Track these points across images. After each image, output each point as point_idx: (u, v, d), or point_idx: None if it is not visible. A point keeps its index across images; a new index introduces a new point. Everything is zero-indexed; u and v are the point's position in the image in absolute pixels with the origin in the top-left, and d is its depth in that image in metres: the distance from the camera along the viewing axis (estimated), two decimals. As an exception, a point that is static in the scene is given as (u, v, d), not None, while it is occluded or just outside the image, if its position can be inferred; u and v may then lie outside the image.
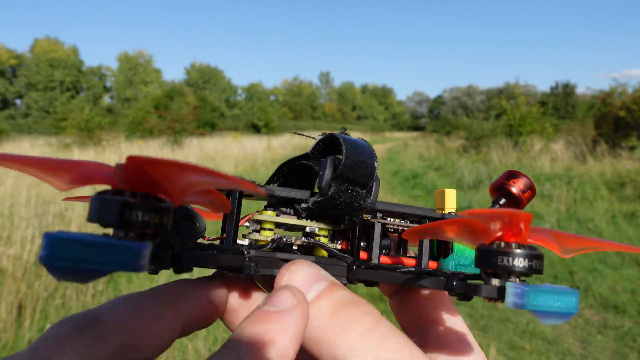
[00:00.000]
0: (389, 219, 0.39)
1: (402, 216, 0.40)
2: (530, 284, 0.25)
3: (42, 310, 2.33)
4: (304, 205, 0.36)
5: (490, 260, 0.26)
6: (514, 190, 0.42)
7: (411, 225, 0.40)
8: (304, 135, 0.42)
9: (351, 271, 0.34)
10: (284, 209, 0.37)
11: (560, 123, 11.99)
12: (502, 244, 0.26)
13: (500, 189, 0.43)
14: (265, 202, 0.37)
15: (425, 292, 0.38)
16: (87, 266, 0.19)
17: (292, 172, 0.38)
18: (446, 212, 0.42)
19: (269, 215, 0.35)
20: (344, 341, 0.27)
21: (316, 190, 0.36)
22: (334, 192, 0.33)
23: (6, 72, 29.77)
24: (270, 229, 0.35)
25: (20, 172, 0.22)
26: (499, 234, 0.26)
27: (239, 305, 0.33)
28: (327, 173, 0.33)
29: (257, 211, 0.36)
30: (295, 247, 0.36)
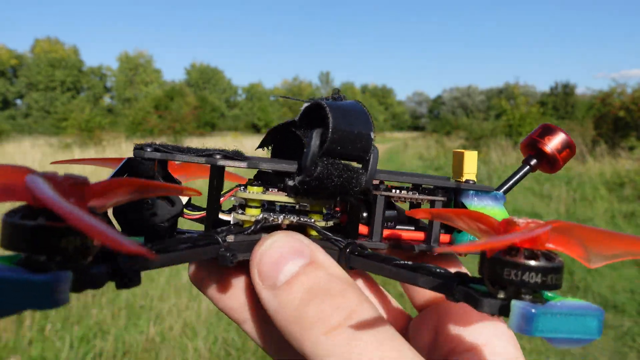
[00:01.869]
0: (394, 190, 0.34)
1: (411, 186, 0.35)
2: (540, 303, 0.20)
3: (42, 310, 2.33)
4: (290, 182, 0.31)
5: (495, 270, 0.21)
6: (548, 149, 0.36)
7: (421, 196, 0.35)
8: (291, 98, 0.35)
9: (343, 258, 0.30)
10: (272, 183, 0.32)
11: (559, 123, 11.99)
12: (512, 252, 0.21)
13: (532, 147, 0.37)
14: (256, 171, 0.32)
15: (467, 311, 0.32)
16: None
17: (284, 138, 0.34)
18: (464, 178, 0.36)
19: (255, 192, 0.31)
20: (310, 339, 0.24)
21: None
22: (321, 172, 0.29)
23: (7, 72, 29.77)
24: (257, 207, 0.31)
25: None
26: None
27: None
28: (312, 149, 0.29)
29: (242, 186, 0.32)
30: (284, 227, 0.31)
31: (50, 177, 0.19)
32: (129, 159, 0.30)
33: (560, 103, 20.99)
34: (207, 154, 0.30)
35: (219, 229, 0.30)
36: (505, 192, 0.37)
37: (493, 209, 0.34)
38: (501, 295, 0.21)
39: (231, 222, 0.32)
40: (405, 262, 0.28)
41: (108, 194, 0.21)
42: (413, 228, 0.36)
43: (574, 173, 6.20)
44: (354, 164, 0.30)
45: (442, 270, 0.26)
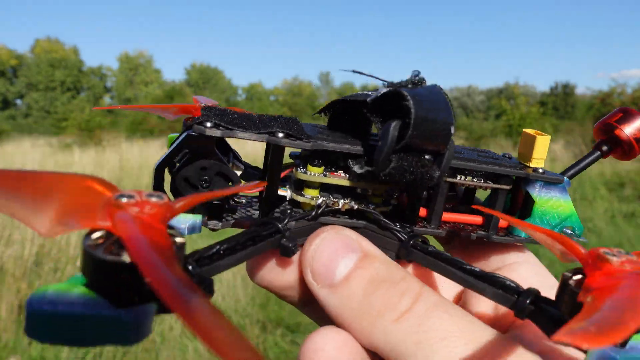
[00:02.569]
0: (459, 177, 0.32)
1: (475, 173, 0.33)
2: (620, 348, 0.20)
3: (42, 310, 2.33)
4: (356, 169, 0.29)
5: (579, 309, 0.19)
6: (624, 135, 0.33)
7: (485, 184, 0.33)
8: (366, 74, 0.31)
9: (404, 249, 0.29)
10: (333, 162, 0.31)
11: (559, 123, 11.99)
12: None
13: (606, 132, 0.34)
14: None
15: (497, 249, 0.33)
16: (78, 344, 0.16)
17: (345, 111, 0.32)
18: (532, 164, 0.33)
19: (315, 174, 0.30)
20: (379, 328, 0.24)
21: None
22: (394, 169, 0.27)
23: (7, 72, 29.77)
24: (316, 187, 0.30)
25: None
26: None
27: None
28: (389, 144, 0.26)
29: (301, 165, 0.31)
30: (343, 211, 0.31)
31: (137, 215, 0.17)
32: (188, 134, 0.29)
33: (560, 103, 21.01)
34: (269, 131, 0.28)
35: (277, 211, 0.30)
36: (571, 177, 0.35)
37: (559, 201, 0.33)
38: None
39: (287, 199, 0.31)
40: (473, 267, 0.26)
41: (187, 207, 0.21)
42: (469, 210, 0.34)
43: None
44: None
45: (512, 284, 0.25)
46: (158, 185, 0.29)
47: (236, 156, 0.35)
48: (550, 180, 0.33)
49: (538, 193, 0.33)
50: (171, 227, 0.20)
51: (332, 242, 0.27)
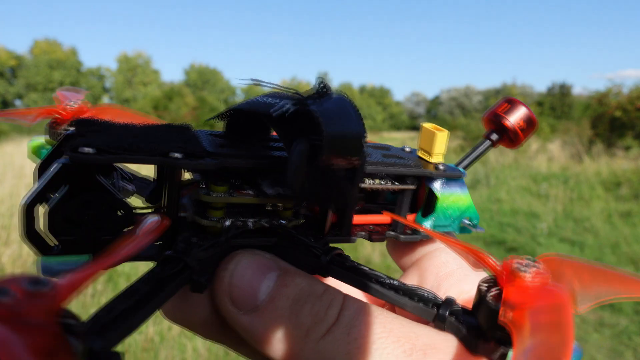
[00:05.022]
0: (367, 181, 0.32)
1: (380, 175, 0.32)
2: None
3: (41, 310, 2.33)
4: (267, 190, 0.27)
5: (497, 323, 0.21)
6: (510, 124, 0.35)
7: (393, 185, 0.33)
8: (265, 84, 0.27)
9: (321, 267, 0.28)
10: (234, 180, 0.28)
11: (556, 123, 11.99)
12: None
13: (494, 122, 0.36)
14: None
15: (424, 242, 0.33)
16: None
17: (243, 116, 0.30)
18: (433, 159, 0.34)
19: (220, 194, 0.27)
20: (309, 346, 0.23)
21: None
22: (307, 189, 0.25)
23: (6, 73, 29.70)
24: (220, 209, 0.27)
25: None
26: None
27: None
28: (299, 165, 0.24)
29: (202, 185, 0.28)
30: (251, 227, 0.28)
31: (11, 304, 0.14)
32: (64, 164, 0.24)
33: (557, 103, 21.01)
34: (162, 152, 0.24)
35: (179, 240, 0.26)
36: (466, 167, 0.36)
37: (459, 195, 0.34)
38: (496, 335, 0.22)
39: (187, 220, 0.28)
40: (392, 281, 0.26)
41: (78, 290, 0.17)
42: (376, 207, 0.35)
43: (570, 172, 6.21)
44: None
45: (431, 296, 0.25)
46: (29, 227, 0.24)
47: (123, 174, 0.30)
48: (451, 176, 0.34)
49: (440, 189, 0.34)
50: (64, 315, 0.16)
51: (248, 264, 0.25)
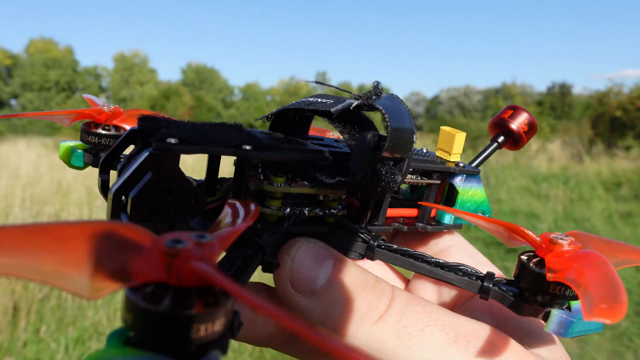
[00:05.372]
0: None
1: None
2: (568, 309, 0.25)
3: (37, 312, 2.31)
4: (326, 179, 0.29)
5: (542, 286, 0.25)
6: (514, 127, 0.40)
7: (422, 180, 0.36)
8: (328, 85, 0.32)
9: (371, 250, 0.30)
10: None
11: (556, 123, 12.03)
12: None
13: (499, 126, 0.41)
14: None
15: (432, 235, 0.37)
16: None
17: (287, 116, 0.32)
18: (452, 158, 0.38)
19: (280, 184, 0.29)
20: (362, 331, 0.26)
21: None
22: (370, 179, 0.27)
23: (1, 72, 29.64)
24: (278, 198, 0.30)
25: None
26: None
27: None
28: (367, 155, 0.27)
29: (261, 176, 0.30)
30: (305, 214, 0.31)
31: (198, 254, 0.17)
32: (151, 153, 0.26)
33: (557, 103, 21.05)
34: (235, 144, 0.27)
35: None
36: (478, 166, 0.41)
37: (476, 190, 0.38)
38: (539, 300, 0.25)
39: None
40: (438, 260, 0.30)
41: (228, 244, 0.21)
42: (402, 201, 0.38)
43: (571, 173, 6.21)
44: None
45: (473, 270, 0.29)
46: (114, 214, 0.26)
47: None
48: (471, 173, 0.38)
49: (459, 184, 0.37)
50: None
51: (308, 251, 0.28)
